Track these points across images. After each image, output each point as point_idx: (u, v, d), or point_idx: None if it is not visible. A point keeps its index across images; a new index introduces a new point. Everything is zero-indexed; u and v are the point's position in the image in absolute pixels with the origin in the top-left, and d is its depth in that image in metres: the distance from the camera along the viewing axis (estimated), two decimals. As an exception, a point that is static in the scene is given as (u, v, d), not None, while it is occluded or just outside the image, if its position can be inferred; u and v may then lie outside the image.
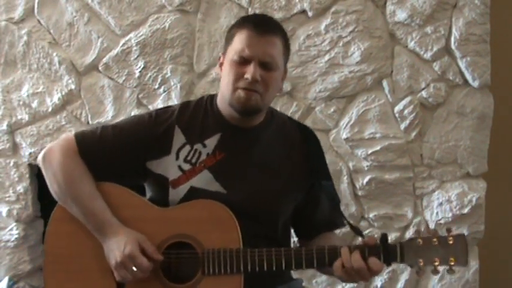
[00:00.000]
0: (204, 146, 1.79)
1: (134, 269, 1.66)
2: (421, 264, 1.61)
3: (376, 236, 1.67)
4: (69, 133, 1.87)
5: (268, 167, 1.80)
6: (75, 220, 1.76)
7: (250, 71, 1.69)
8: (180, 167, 1.78)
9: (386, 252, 1.62)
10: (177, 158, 1.78)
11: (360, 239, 1.79)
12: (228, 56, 1.76)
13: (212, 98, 1.85)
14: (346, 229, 1.95)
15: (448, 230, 1.62)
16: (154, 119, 1.81)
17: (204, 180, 1.77)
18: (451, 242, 1.60)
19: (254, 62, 1.70)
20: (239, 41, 1.73)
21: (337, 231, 1.96)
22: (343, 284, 2.70)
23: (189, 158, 1.78)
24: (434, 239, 1.61)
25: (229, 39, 1.78)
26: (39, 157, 1.83)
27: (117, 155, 1.79)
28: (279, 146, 1.84)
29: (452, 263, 1.60)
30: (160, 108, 1.90)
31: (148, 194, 1.87)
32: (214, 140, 1.79)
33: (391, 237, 2.67)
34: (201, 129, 1.80)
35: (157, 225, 1.73)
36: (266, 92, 1.73)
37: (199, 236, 1.69)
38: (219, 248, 1.67)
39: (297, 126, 1.92)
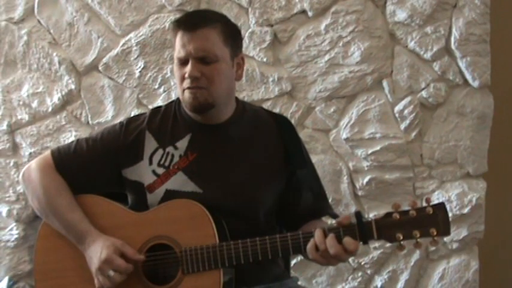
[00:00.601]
0: (176, 148, 1.81)
1: (111, 273, 1.67)
2: (401, 239, 1.56)
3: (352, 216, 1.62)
4: (47, 152, 1.92)
5: (243, 160, 1.80)
6: (60, 235, 1.80)
7: (188, 70, 1.72)
8: (154, 172, 1.80)
9: (361, 230, 1.59)
10: (151, 163, 1.81)
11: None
12: (174, 62, 1.80)
13: (180, 101, 1.86)
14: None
15: (427, 200, 1.58)
16: (125, 128, 1.85)
17: (179, 182, 1.78)
18: (430, 213, 1.55)
19: (191, 59, 1.72)
20: (176, 44, 1.76)
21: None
22: (343, 284, 2.70)
23: (162, 161, 1.80)
24: (412, 211, 1.56)
25: (173, 45, 1.80)
26: (20, 176, 1.90)
27: (92, 167, 1.83)
28: (253, 138, 1.84)
29: (434, 233, 1.54)
30: (132, 117, 1.94)
31: (130, 201, 1.88)
32: (185, 141, 1.81)
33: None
34: (172, 132, 1.82)
35: (135, 230, 1.75)
36: (212, 85, 1.73)
37: (176, 236, 1.71)
38: (196, 245, 1.68)
39: (271, 116, 1.92)
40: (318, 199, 1.88)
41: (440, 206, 1.57)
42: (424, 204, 1.57)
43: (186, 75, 1.72)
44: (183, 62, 1.74)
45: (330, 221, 1.98)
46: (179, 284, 1.69)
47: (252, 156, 1.82)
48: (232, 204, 1.76)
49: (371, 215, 2.66)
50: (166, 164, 1.80)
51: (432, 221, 1.55)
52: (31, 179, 1.84)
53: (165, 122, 1.85)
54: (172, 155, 1.80)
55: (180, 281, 1.69)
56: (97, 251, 1.70)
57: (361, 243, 1.59)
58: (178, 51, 1.75)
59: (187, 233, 1.70)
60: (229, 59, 1.78)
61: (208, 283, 1.68)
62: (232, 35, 1.80)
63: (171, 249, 1.71)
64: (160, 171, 1.80)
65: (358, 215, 1.61)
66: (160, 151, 1.81)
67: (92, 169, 1.83)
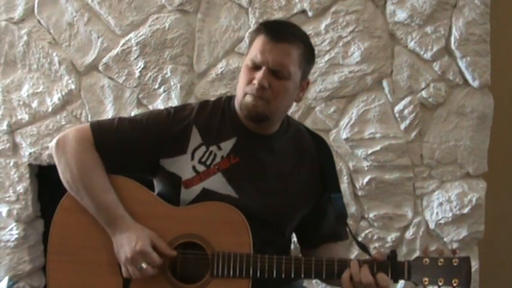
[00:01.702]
0: (220, 148, 1.79)
1: (144, 265, 1.65)
2: (426, 283, 1.64)
3: (385, 252, 1.68)
4: (85, 124, 1.85)
5: (281, 175, 1.80)
6: (84, 211, 1.74)
7: (258, 77, 1.69)
8: (194, 168, 1.77)
9: (394, 269, 1.65)
10: (192, 158, 1.78)
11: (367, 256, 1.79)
12: (245, 61, 1.76)
13: (230, 99, 1.85)
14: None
15: (454, 252, 1.65)
16: (173, 116, 1.80)
17: (217, 183, 1.76)
18: (455, 264, 1.64)
19: (264, 68, 1.69)
20: (255, 46, 1.73)
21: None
22: (343, 284, 2.70)
23: (203, 159, 1.78)
24: (441, 260, 1.64)
25: (250, 43, 1.78)
26: (53, 143, 1.80)
27: (132, 150, 1.77)
28: (293, 155, 1.84)
29: (455, 284, 1.63)
30: (179, 106, 1.89)
31: (158, 189, 1.85)
32: (230, 144, 1.79)
33: (391, 237, 2.67)
34: (218, 131, 1.80)
35: (168, 223, 1.72)
36: (275, 100, 1.71)
37: (210, 238, 1.69)
38: (229, 251, 1.68)
39: (312, 137, 1.91)
40: (340, 223, 1.88)
41: (466, 260, 1.65)
42: (451, 254, 1.65)
43: (255, 82, 1.69)
44: (254, 67, 1.71)
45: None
46: (206, 286, 1.68)
47: (289, 172, 1.81)
48: (263, 215, 1.75)
49: (371, 215, 2.66)
50: (208, 162, 1.77)
51: (456, 272, 1.63)
52: (66, 150, 1.76)
53: (212, 118, 1.81)
54: (215, 155, 1.78)
55: (207, 283, 1.68)
56: (131, 240, 1.66)
57: (391, 280, 1.65)
58: (255, 55, 1.71)
59: (221, 237, 1.69)
60: (298, 80, 1.76)
61: None
62: (309, 59, 1.79)
63: (202, 249, 1.69)
64: (201, 168, 1.77)
65: (393, 254, 1.66)
66: (204, 148, 1.78)
67: (131, 152, 1.77)
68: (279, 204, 1.78)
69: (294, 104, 1.90)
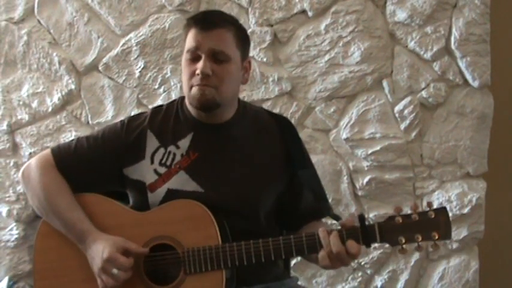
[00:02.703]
0: (178, 147, 1.80)
1: (115, 271, 1.66)
2: (403, 242, 1.57)
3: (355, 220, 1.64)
4: (47, 150, 1.90)
5: (244, 161, 1.80)
6: (60, 233, 1.78)
7: (200, 67, 1.71)
8: (155, 171, 1.79)
9: (364, 233, 1.60)
10: (152, 162, 1.80)
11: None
12: (183, 58, 1.79)
13: (183, 99, 1.86)
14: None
15: (429, 205, 1.59)
16: (126, 126, 1.84)
17: (180, 181, 1.78)
18: (432, 217, 1.57)
19: (204, 56, 1.71)
20: (188, 40, 1.76)
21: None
22: (343, 284, 2.70)
23: (163, 160, 1.80)
24: (414, 215, 1.58)
25: (184, 40, 1.80)
26: (19, 174, 1.88)
27: (93, 165, 1.81)
28: (254, 139, 1.84)
29: (436, 237, 1.56)
30: (133, 115, 1.93)
31: (131, 200, 1.87)
32: (187, 141, 1.80)
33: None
34: (174, 131, 1.82)
35: (137, 229, 1.74)
36: (221, 84, 1.73)
37: (178, 236, 1.70)
38: (199, 246, 1.68)
39: (273, 117, 1.91)
40: (318, 200, 1.87)
41: (442, 210, 1.58)
42: (426, 208, 1.59)
43: (198, 72, 1.71)
44: (194, 58, 1.73)
45: (330, 222, 1.98)
46: (181, 284, 1.69)
47: (253, 156, 1.81)
48: (233, 204, 1.75)
49: (371, 215, 2.66)
50: (168, 163, 1.79)
51: (434, 225, 1.56)
52: (31, 177, 1.82)
53: (166, 121, 1.84)
54: (174, 154, 1.80)
55: (182, 281, 1.69)
56: (99, 250, 1.69)
57: (363, 246, 1.61)
58: (190, 47, 1.74)
59: (189, 233, 1.70)
60: (239, 62, 1.78)
61: (210, 284, 1.68)
62: (244, 39, 1.81)
63: (173, 249, 1.70)
64: (162, 170, 1.79)
65: (362, 218, 1.62)
66: (162, 150, 1.80)
67: (93, 167, 1.82)
68: (246, 191, 1.78)
69: (242, 86, 1.90)
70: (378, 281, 2.70)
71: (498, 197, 2.76)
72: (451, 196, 2.64)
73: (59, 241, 1.79)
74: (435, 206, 1.60)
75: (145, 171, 1.80)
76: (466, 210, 2.63)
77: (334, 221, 1.85)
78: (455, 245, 2.66)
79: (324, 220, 1.93)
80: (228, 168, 1.79)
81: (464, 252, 2.68)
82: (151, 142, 1.81)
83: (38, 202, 1.82)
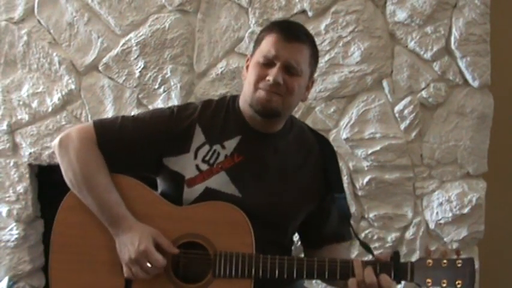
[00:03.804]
0: (223, 147, 1.78)
1: (148, 265, 1.65)
2: (429, 284, 1.64)
3: (388, 253, 1.69)
4: (89, 122, 1.85)
5: (285, 174, 1.80)
6: (87, 210, 1.73)
7: (273, 73, 1.69)
8: (197, 166, 1.77)
9: (397, 270, 1.64)
10: (196, 157, 1.77)
11: (370, 256, 1.79)
12: (254, 58, 1.76)
13: (235, 98, 1.84)
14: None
15: (457, 253, 1.66)
16: (176, 115, 1.80)
17: (220, 181, 1.76)
18: (459, 265, 1.64)
19: (278, 64, 1.70)
20: (266, 43, 1.74)
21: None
22: (343, 284, 2.70)
23: (207, 158, 1.77)
24: (444, 261, 1.64)
25: (258, 41, 1.78)
26: (55, 141, 1.79)
27: (135, 149, 1.77)
28: (297, 155, 1.84)
29: (458, 285, 1.63)
30: (182, 105, 1.89)
31: (161, 188, 1.85)
32: (233, 143, 1.78)
33: (391, 237, 2.67)
34: (222, 130, 1.79)
35: (170, 223, 1.72)
36: (288, 96, 1.72)
37: (212, 238, 1.69)
38: (232, 251, 1.67)
39: (315, 136, 1.91)
40: (343, 224, 1.88)
41: (469, 261, 1.65)
42: (454, 255, 1.66)
43: (269, 78, 1.69)
44: (268, 63, 1.72)
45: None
46: (208, 286, 1.68)
47: (293, 171, 1.81)
48: (266, 215, 1.75)
49: (371, 215, 2.66)
50: (211, 161, 1.77)
51: (460, 273, 1.63)
52: (69, 149, 1.75)
53: (216, 117, 1.81)
54: (218, 154, 1.77)
55: (209, 283, 1.68)
56: (134, 240, 1.66)
57: (394, 282, 1.65)
58: (268, 50, 1.72)
59: (224, 237, 1.69)
60: (307, 79, 1.78)
61: None
62: (316, 59, 1.82)
63: (204, 249, 1.69)
64: (204, 167, 1.76)
65: (396, 255, 1.66)
66: (207, 147, 1.78)
67: (134, 151, 1.77)
68: (282, 203, 1.78)
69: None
70: (378, 281, 2.70)
71: (498, 197, 2.77)
72: (451, 196, 2.64)
73: (83, 218, 1.74)
74: (464, 255, 1.66)
75: (186, 164, 1.77)
76: (466, 210, 2.63)
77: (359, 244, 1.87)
78: (455, 245, 2.66)
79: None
80: (268, 178, 1.79)
81: (464, 252, 2.67)
82: (198, 137, 1.78)
83: (73, 176, 1.74)
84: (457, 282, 1.62)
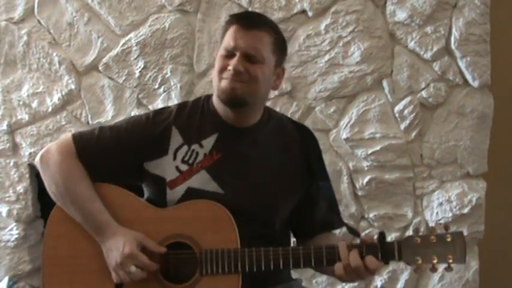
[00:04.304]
0: (201, 146, 1.79)
1: (133, 269, 1.65)
2: (419, 262, 1.61)
3: (375, 235, 1.66)
4: (67, 134, 1.88)
5: (266, 166, 1.80)
6: (74, 221, 1.76)
7: (233, 63, 1.71)
8: (177, 168, 1.78)
9: (384, 250, 1.63)
10: (175, 158, 1.79)
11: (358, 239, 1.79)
12: (219, 53, 1.79)
13: (209, 98, 1.86)
14: (345, 230, 1.94)
15: (446, 228, 1.63)
16: (152, 120, 1.82)
17: (201, 180, 1.77)
18: (449, 240, 1.61)
19: (238, 54, 1.72)
20: (227, 36, 1.76)
21: (337, 231, 1.96)
22: (343, 284, 2.70)
23: (186, 158, 1.79)
24: (432, 237, 1.61)
25: (221, 37, 1.80)
26: (37, 158, 1.84)
27: (115, 157, 1.79)
28: (277, 146, 1.84)
29: (450, 261, 1.60)
30: (158, 109, 1.90)
31: (146, 194, 1.87)
32: (211, 141, 1.79)
33: (391, 237, 2.67)
34: (198, 130, 1.81)
35: (155, 226, 1.73)
36: (253, 83, 1.73)
37: (197, 236, 1.70)
38: (217, 248, 1.68)
39: (296, 127, 1.92)
40: (331, 212, 1.88)
41: (459, 234, 1.63)
42: (443, 231, 1.63)
43: (230, 68, 1.71)
44: (228, 55, 1.73)
45: (339, 231, 1.98)
46: (196, 285, 1.68)
47: (274, 163, 1.81)
48: (251, 208, 1.75)
49: (371, 215, 2.66)
50: (191, 161, 1.78)
51: (450, 248, 1.61)
52: (50, 163, 1.78)
53: (192, 118, 1.82)
54: (197, 153, 1.79)
55: (197, 282, 1.68)
56: (119, 245, 1.67)
57: (382, 263, 1.63)
58: (228, 42, 1.74)
59: (208, 234, 1.69)
60: (272, 66, 1.78)
61: (226, 286, 1.68)
62: (281, 47, 1.82)
63: (190, 248, 1.70)
64: (184, 167, 1.78)
65: (382, 235, 1.65)
66: (185, 147, 1.79)
67: (114, 159, 1.79)
68: (265, 196, 1.78)
69: (273, 92, 1.92)
70: (378, 281, 2.70)
71: (498, 197, 2.77)
72: (451, 196, 2.64)
73: (71, 229, 1.76)
74: (452, 230, 1.64)
75: (166, 167, 1.78)
76: (466, 210, 2.63)
77: (346, 231, 1.86)
78: (455, 245, 2.66)
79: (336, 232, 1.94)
80: (250, 172, 1.79)
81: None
82: (176, 138, 1.79)
83: (56, 189, 1.77)
84: (448, 258, 1.60)
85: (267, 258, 1.66)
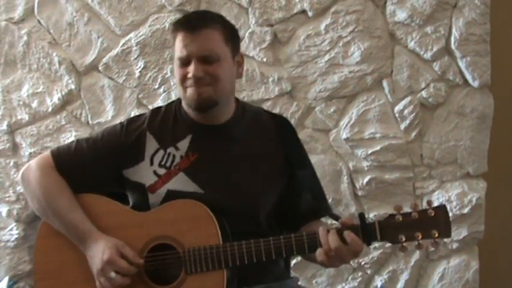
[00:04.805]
0: (177, 149, 1.81)
1: (113, 274, 1.67)
2: (403, 240, 1.58)
3: (354, 217, 1.64)
4: (46, 152, 1.92)
5: (244, 161, 1.81)
6: (61, 234, 1.79)
7: (191, 70, 1.72)
8: (155, 172, 1.80)
9: (365, 231, 1.60)
10: (152, 163, 1.81)
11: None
12: (174, 61, 1.80)
13: (180, 101, 1.87)
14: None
15: (428, 203, 1.60)
16: (126, 128, 1.85)
17: (180, 182, 1.78)
18: (432, 215, 1.57)
19: (194, 60, 1.72)
20: (177, 45, 1.76)
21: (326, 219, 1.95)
22: (343, 284, 2.70)
23: (163, 162, 1.80)
24: (414, 213, 1.58)
25: (172, 45, 1.80)
26: (19, 176, 1.89)
27: (93, 167, 1.82)
28: (254, 139, 1.84)
29: (435, 235, 1.56)
30: (132, 117, 1.94)
31: (131, 201, 1.87)
32: (186, 142, 1.81)
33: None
34: (173, 133, 1.82)
35: (137, 230, 1.75)
36: (216, 83, 1.73)
37: (179, 236, 1.71)
38: (199, 245, 1.68)
39: (271, 117, 1.92)
40: (317, 199, 1.88)
41: (442, 208, 1.59)
42: (426, 206, 1.59)
43: (190, 75, 1.72)
44: (185, 63, 1.74)
45: (330, 222, 1.98)
46: (182, 284, 1.69)
47: (252, 156, 1.82)
48: (233, 205, 1.75)
49: (371, 215, 2.66)
50: (168, 164, 1.80)
51: (434, 223, 1.57)
52: (30, 180, 1.83)
53: (165, 122, 1.85)
54: (174, 156, 1.80)
55: (183, 281, 1.69)
56: (99, 252, 1.69)
57: (364, 244, 1.61)
58: (180, 51, 1.75)
59: (190, 233, 1.70)
60: (230, 58, 1.79)
61: (211, 283, 1.68)
62: (232, 35, 1.81)
63: (174, 249, 1.71)
64: (162, 171, 1.79)
65: (362, 216, 1.63)
66: (161, 152, 1.81)
67: (93, 169, 1.82)
68: (246, 191, 1.78)
69: (238, 82, 1.90)
70: (378, 281, 2.70)
71: (498, 197, 2.76)
72: (451, 196, 2.64)
73: (59, 242, 1.79)
74: (435, 204, 1.60)
75: (144, 172, 1.80)
76: (466, 210, 2.63)
77: (335, 221, 1.85)
78: (455, 245, 2.66)
79: (324, 220, 1.92)
80: (228, 169, 1.79)
81: (464, 252, 2.68)
82: (151, 144, 1.82)
83: (38, 204, 1.82)
84: (432, 233, 1.55)
85: (249, 251, 1.66)
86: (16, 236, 2.75)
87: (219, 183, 1.78)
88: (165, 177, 1.79)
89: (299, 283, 1.97)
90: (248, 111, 1.89)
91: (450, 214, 2.62)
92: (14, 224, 2.75)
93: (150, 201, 1.79)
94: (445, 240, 2.64)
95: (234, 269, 1.69)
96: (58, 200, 1.79)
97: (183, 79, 1.75)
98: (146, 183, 1.80)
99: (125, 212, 1.81)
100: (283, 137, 1.87)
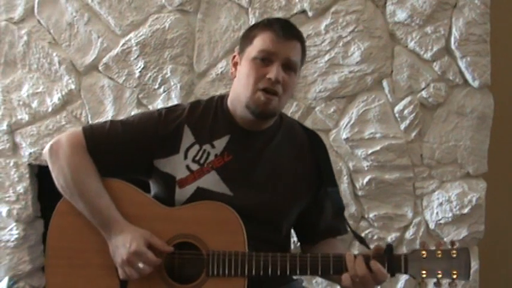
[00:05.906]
0: (213, 146, 1.78)
1: (141, 265, 1.65)
2: (424, 276, 1.63)
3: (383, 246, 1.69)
4: (77, 128, 1.87)
5: (276, 171, 1.80)
6: (80, 214, 1.75)
7: (273, 71, 1.69)
8: (188, 167, 1.77)
9: (390, 262, 1.64)
10: (186, 157, 1.78)
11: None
12: (247, 55, 1.74)
13: (223, 98, 1.85)
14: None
15: (452, 243, 1.64)
16: (164, 117, 1.80)
17: (211, 181, 1.76)
18: (454, 255, 1.62)
19: (277, 62, 1.70)
20: (263, 41, 1.72)
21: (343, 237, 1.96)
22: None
23: (197, 158, 1.78)
24: (438, 252, 1.63)
25: (249, 39, 1.76)
26: (46, 149, 1.81)
27: (125, 152, 1.78)
28: (287, 151, 1.83)
29: (454, 276, 1.62)
30: (170, 106, 1.88)
31: (153, 191, 1.85)
32: (223, 142, 1.78)
33: (391, 237, 2.67)
34: (211, 130, 1.79)
35: (162, 224, 1.72)
36: (284, 95, 1.73)
37: (205, 237, 1.69)
38: (224, 250, 1.67)
39: (305, 132, 1.91)
40: (337, 218, 1.87)
41: (464, 251, 1.63)
42: (449, 245, 1.64)
43: (270, 76, 1.69)
44: (264, 58, 1.71)
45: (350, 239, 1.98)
46: (202, 286, 1.68)
47: (284, 167, 1.81)
48: (259, 212, 1.75)
49: (371, 215, 2.66)
50: (201, 161, 1.77)
51: (455, 264, 1.62)
52: (59, 156, 1.76)
53: (205, 117, 1.81)
54: (208, 153, 1.78)
55: (203, 283, 1.68)
56: (126, 242, 1.66)
57: (388, 274, 1.64)
58: (267, 45, 1.71)
59: (216, 236, 1.69)
60: (298, 75, 1.81)
61: None
62: (305, 57, 1.83)
63: (197, 249, 1.69)
64: (194, 167, 1.77)
65: (389, 248, 1.65)
66: (197, 147, 1.78)
67: (124, 154, 1.78)
68: (273, 201, 1.78)
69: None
70: (378, 281, 2.70)
71: (498, 197, 2.77)
72: (451, 196, 2.64)
73: (77, 222, 1.75)
74: (458, 245, 1.64)
75: (177, 165, 1.77)
76: (466, 210, 2.63)
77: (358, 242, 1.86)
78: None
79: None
80: (259, 176, 1.78)
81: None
82: (187, 137, 1.78)
83: (65, 182, 1.75)
84: (453, 273, 1.61)
85: (274, 264, 1.66)
86: (16, 236, 2.75)
87: (248, 188, 1.76)
88: (197, 174, 1.76)
89: (303, 284, 1.98)
90: (285, 122, 1.88)
91: (450, 214, 2.67)
92: (14, 224, 2.76)
93: (176, 196, 1.76)
94: (445, 239, 2.65)
95: (254, 277, 1.68)
96: (86, 182, 1.74)
97: (259, 78, 1.71)
98: (177, 176, 1.76)
99: (152, 203, 1.77)
100: (316, 154, 1.86)
